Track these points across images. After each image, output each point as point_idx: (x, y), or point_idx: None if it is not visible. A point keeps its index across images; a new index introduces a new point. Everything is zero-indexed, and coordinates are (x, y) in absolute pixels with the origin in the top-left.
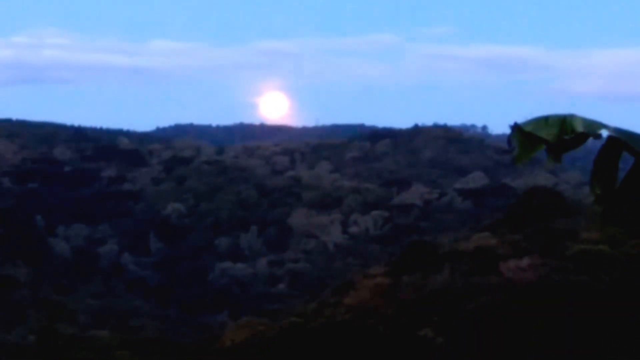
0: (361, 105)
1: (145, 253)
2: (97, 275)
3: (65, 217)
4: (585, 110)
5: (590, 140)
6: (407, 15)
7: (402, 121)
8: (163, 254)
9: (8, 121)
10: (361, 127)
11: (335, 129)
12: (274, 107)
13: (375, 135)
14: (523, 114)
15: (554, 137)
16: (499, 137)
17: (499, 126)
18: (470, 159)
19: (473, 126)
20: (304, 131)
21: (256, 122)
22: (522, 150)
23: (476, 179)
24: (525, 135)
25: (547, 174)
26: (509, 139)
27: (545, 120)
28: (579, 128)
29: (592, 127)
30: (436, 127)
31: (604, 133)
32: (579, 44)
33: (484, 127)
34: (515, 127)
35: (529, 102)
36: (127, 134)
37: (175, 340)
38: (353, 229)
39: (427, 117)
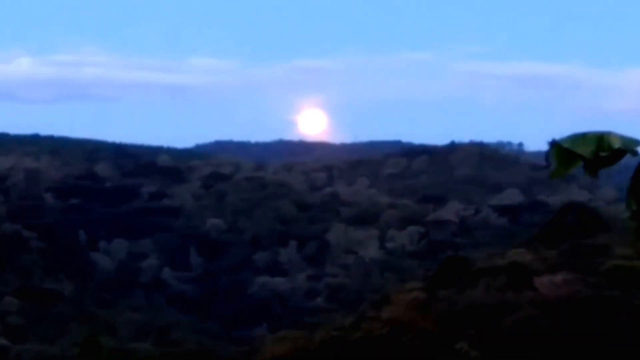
0: (398, 122)
1: (185, 267)
2: (138, 289)
3: (107, 232)
4: (618, 127)
5: (626, 157)
6: (443, 33)
7: (438, 138)
8: (203, 268)
9: (51, 138)
10: (398, 143)
11: (373, 146)
12: (313, 124)
13: (412, 151)
14: (558, 131)
15: (591, 154)
16: (534, 154)
17: (535, 143)
18: (505, 176)
19: (509, 143)
20: (342, 147)
21: (295, 138)
22: (560, 165)
23: (511, 196)
24: (563, 151)
25: (581, 191)
26: (547, 154)
27: (582, 137)
28: (616, 145)
29: (628, 144)
30: (472, 144)
31: None
32: (613, 62)
33: (520, 144)
34: (554, 144)
35: (563, 120)
36: (167, 151)
37: (215, 353)
38: (390, 245)
39: (463, 134)
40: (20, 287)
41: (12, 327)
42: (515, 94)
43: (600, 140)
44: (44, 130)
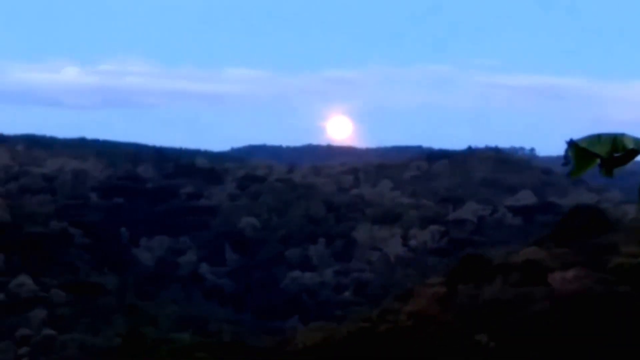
0: (419, 128)
1: (221, 263)
2: (177, 283)
3: (148, 230)
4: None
5: (632, 163)
6: (461, 47)
7: (456, 143)
8: (238, 264)
9: (96, 141)
10: (419, 148)
11: (396, 150)
12: (340, 130)
13: (432, 156)
14: (567, 137)
15: (607, 153)
16: (545, 158)
17: (546, 148)
18: (519, 179)
19: (522, 148)
20: (367, 152)
21: (323, 143)
22: (578, 164)
23: (525, 197)
24: (580, 151)
25: (590, 193)
26: (565, 153)
27: (598, 138)
28: (630, 145)
29: None
30: (488, 149)
31: None
32: (618, 75)
33: (532, 150)
34: (571, 143)
35: (572, 127)
36: (205, 154)
37: (250, 343)
38: (412, 242)
39: (479, 140)
40: (67, 281)
41: (59, 317)
42: (527, 104)
43: (614, 141)
44: (90, 134)
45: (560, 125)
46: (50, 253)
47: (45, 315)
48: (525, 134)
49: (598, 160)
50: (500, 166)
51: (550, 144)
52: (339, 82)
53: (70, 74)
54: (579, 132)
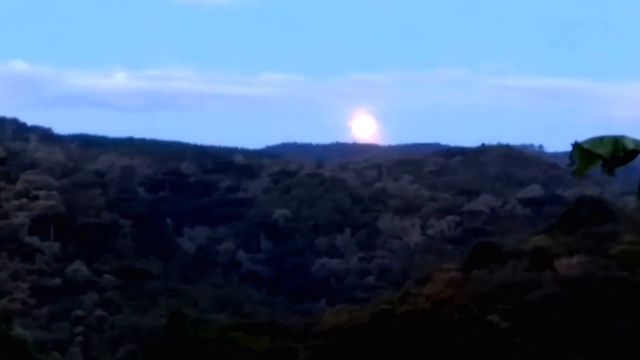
0: (437, 127)
1: (256, 250)
2: (217, 268)
3: (190, 220)
4: (626, 133)
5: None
6: (475, 52)
7: (471, 141)
8: (272, 251)
9: (143, 140)
10: (437, 145)
11: (415, 147)
12: (364, 129)
13: (449, 152)
14: (573, 135)
15: (609, 154)
16: (552, 154)
17: (553, 145)
18: (528, 173)
19: (531, 145)
20: (389, 149)
21: (349, 141)
22: (582, 164)
23: (534, 190)
24: (584, 152)
25: (593, 186)
26: (570, 154)
27: (600, 140)
28: (630, 146)
29: None
30: (500, 146)
31: None
32: (620, 76)
33: (540, 146)
34: (576, 145)
35: (578, 126)
36: (241, 151)
37: (282, 323)
38: (430, 231)
39: (492, 138)
40: (117, 267)
41: (109, 300)
42: (536, 104)
43: (616, 142)
44: (137, 134)
45: (566, 124)
46: (101, 241)
47: (97, 298)
48: (534, 132)
49: (600, 161)
50: (511, 162)
51: (557, 141)
52: (363, 85)
53: (119, 79)
54: (584, 130)
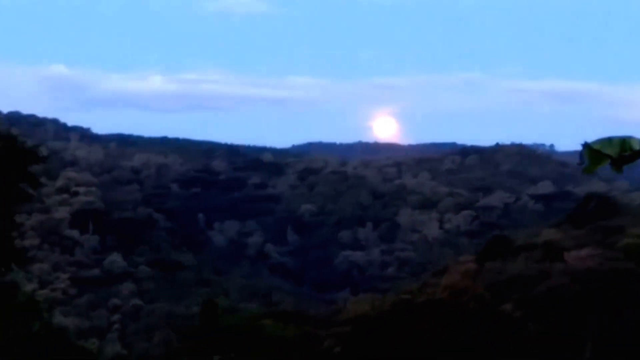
0: (454, 127)
1: (283, 243)
2: (246, 260)
3: (221, 215)
4: (634, 134)
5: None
6: (489, 57)
7: (486, 140)
8: (298, 244)
9: (176, 140)
10: (453, 145)
11: (433, 146)
12: (385, 129)
13: (465, 151)
14: (583, 135)
15: (616, 154)
16: (563, 153)
17: (563, 145)
18: (540, 171)
19: (542, 144)
20: (409, 148)
21: (371, 140)
22: (591, 163)
23: (545, 187)
24: (593, 152)
25: (601, 183)
26: (580, 154)
27: (609, 140)
28: (636, 147)
29: None
30: (513, 145)
31: None
32: (627, 79)
33: (551, 146)
34: (586, 145)
35: (587, 126)
36: (269, 150)
37: (308, 312)
38: (447, 225)
39: (505, 137)
40: (152, 259)
41: (145, 290)
42: (547, 105)
43: (623, 143)
44: (171, 134)
45: (575, 124)
46: (137, 235)
47: (134, 287)
48: (545, 132)
49: (609, 160)
50: (523, 160)
51: (567, 141)
52: (385, 88)
53: (155, 82)
54: (593, 130)
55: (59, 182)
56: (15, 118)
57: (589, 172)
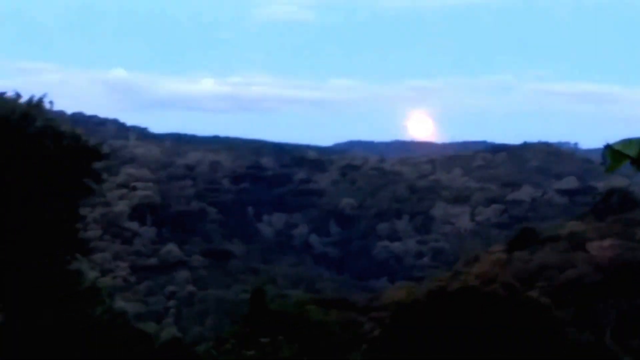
0: (484, 126)
1: (326, 235)
2: (292, 250)
3: (269, 208)
4: None
5: None
6: (517, 60)
7: (514, 139)
8: (340, 235)
9: (227, 138)
10: (484, 143)
11: (465, 144)
12: (421, 128)
13: (495, 149)
14: (605, 133)
15: (636, 154)
16: (586, 150)
17: (587, 143)
18: (565, 167)
19: (567, 143)
20: (442, 146)
21: (407, 139)
22: (613, 162)
23: (569, 182)
24: (614, 152)
25: (622, 178)
26: (603, 154)
27: (630, 141)
28: None
29: None
30: (540, 143)
31: None
32: None
33: (575, 144)
34: (607, 146)
35: (608, 125)
36: (313, 148)
37: (349, 298)
38: (478, 218)
39: (532, 136)
40: (205, 248)
41: (199, 278)
42: (571, 106)
43: None
44: (223, 133)
45: (598, 124)
46: (191, 226)
47: (188, 275)
48: (570, 131)
49: (629, 159)
50: (549, 157)
51: (590, 139)
52: (420, 89)
53: (207, 85)
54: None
55: (119, 178)
56: (79, 118)
57: (611, 171)
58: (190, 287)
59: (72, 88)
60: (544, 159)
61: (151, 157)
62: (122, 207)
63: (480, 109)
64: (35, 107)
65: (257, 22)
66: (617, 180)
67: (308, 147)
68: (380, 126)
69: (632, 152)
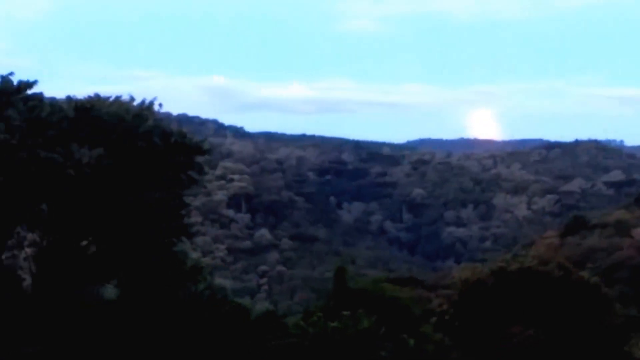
0: (540, 125)
1: (399, 221)
2: (369, 235)
3: (349, 198)
4: None
5: None
6: (569, 68)
7: (567, 137)
8: (411, 221)
9: (313, 136)
10: (540, 140)
11: (523, 142)
12: (483, 127)
13: (550, 146)
14: None
15: None
16: (631, 147)
17: (632, 140)
18: (612, 162)
19: (614, 140)
20: (503, 143)
21: (472, 137)
22: None
23: (616, 175)
24: None
25: None
26: None
27: None
28: None
29: None
30: (590, 141)
31: None
32: None
33: (621, 141)
34: None
35: None
36: (388, 145)
37: (419, 277)
38: (535, 207)
39: (584, 134)
40: (293, 233)
41: (287, 259)
42: (617, 108)
43: None
44: (309, 132)
45: None
46: (281, 213)
47: (278, 256)
48: (616, 129)
49: None
50: (598, 153)
51: (635, 137)
52: (484, 93)
53: (296, 89)
54: None
55: (218, 171)
56: (183, 119)
57: None
58: (280, 267)
59: (177, 93)
60: (593, 155)
61: (246, 152)
62: (220, 196)
63: (537, 110)
64: (146, 109)
65: (339, 34)
66: None
67: (383, 144)
68: (447, 126)
69: None
